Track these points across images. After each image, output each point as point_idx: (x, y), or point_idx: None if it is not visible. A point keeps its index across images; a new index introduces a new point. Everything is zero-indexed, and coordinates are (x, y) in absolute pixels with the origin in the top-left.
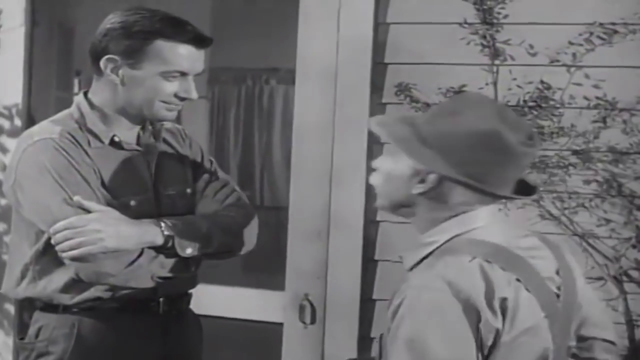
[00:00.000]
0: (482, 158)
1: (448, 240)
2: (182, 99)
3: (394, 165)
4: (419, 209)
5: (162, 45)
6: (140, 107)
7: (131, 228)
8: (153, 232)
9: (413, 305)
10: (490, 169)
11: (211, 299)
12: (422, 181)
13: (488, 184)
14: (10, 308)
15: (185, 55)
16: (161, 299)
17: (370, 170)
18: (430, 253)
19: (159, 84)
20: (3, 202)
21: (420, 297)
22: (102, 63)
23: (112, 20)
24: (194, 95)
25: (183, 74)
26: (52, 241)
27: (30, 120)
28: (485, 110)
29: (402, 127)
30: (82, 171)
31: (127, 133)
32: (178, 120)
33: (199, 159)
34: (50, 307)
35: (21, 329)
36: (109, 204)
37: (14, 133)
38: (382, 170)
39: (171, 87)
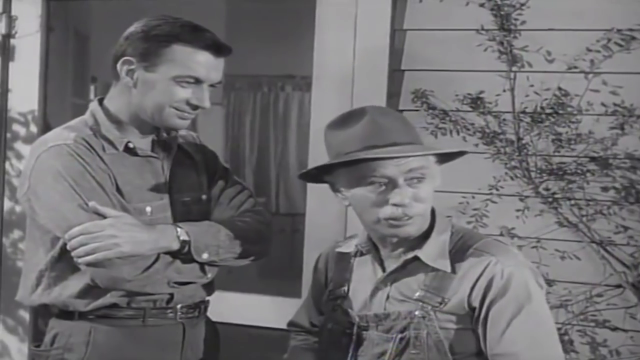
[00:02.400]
0: None
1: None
2: (195, 108)
3: (433, 183)
4: None
5: (178, 49)
6: (152, 112)
7: (146, 233)
8: (169, 238)
9: (524, 279)
10: None
11: (227, 306)
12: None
13: None
14: (25, 315)
15: (202, 62)
16: (178, 306)
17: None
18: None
19: (171, 89)
20: (18, 208)
21: (523, 272)
22: (118, 65)
23: (135, 25)
24: (207, 104)
25: (197, 81)
26: (68, 247)
27: (46, 127)
28: None
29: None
30: (97, 177)
31: (142, 140)
32: (193, 127)
33: (213, 166)
34: (66, 314)
35: (36, 336)
36: (124, 210)
37: (30, 140)
38: (427, 197)
39: (183, 93)
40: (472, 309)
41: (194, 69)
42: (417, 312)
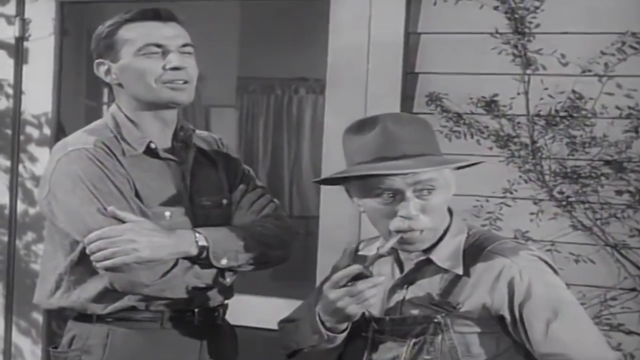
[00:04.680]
0: None
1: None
2: (174, 70)
3: (446, 193)
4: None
5: (126, 29)
6: (144, 95)
7: (165, 238)
8: (187, 243)
9: (545, 275)
10: None
11: (241, 309)
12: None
13: None
14: (39, 317)
15: (152, 30)
16: (196, 310)
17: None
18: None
19: (141, 64)
20: (31, 211)
21: (541, 268)
22: (95, 70)
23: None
24: (184, 64)
25: (161, 48)
26: (87, 251)
27: (59, 129)
28: None
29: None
30: (116, 181)
31: (161, 137)
32: (207, 129)
33: (235, 170)
34: (84, 316)
35: (49, 338)
36: (143, 215)
37: (43, 142)
38: (437, 207)
39: (154, 63)
40: (500, 316)
41: (147, 37)
42: (433, 318)
